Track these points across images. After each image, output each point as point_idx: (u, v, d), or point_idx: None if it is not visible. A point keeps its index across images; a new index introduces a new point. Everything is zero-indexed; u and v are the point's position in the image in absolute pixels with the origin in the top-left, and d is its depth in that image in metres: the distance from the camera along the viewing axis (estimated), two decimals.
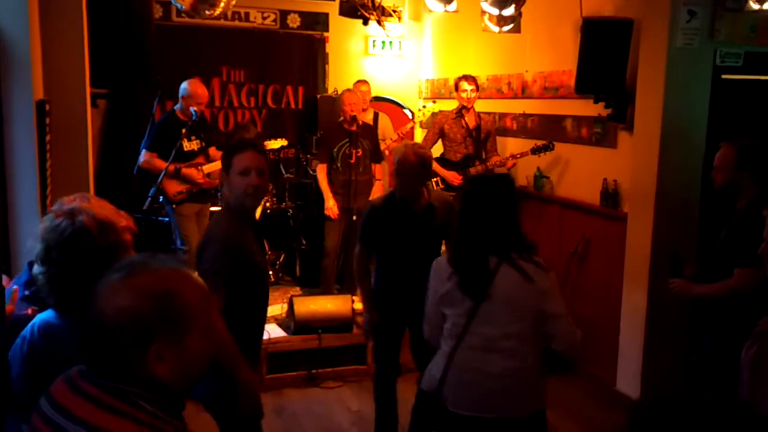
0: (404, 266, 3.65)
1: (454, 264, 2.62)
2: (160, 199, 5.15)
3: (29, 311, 1.94)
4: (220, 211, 3.42)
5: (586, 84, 4.63)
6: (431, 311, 2.71)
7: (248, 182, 2.71)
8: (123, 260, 1.35)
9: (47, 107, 3.40)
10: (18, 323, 1.88)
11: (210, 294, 1.36)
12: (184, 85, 5.26)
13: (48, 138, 3.40)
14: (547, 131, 5.58)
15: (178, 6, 4.16)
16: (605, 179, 4.84)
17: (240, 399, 1.84)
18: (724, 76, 4.30)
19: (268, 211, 6.14)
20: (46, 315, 1.83)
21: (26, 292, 1.99)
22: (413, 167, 3.46)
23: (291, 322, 4.95)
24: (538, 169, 5.61)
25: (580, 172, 5.23)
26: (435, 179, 5.65)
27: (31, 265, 2.03)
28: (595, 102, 4.77)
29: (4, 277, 2.05)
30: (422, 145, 3.89)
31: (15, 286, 1.96)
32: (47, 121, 3.39)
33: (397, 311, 3.70)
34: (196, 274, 1.36)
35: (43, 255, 1.75)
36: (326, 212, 5.57)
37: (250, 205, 2.81)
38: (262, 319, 2.99)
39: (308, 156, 6.83)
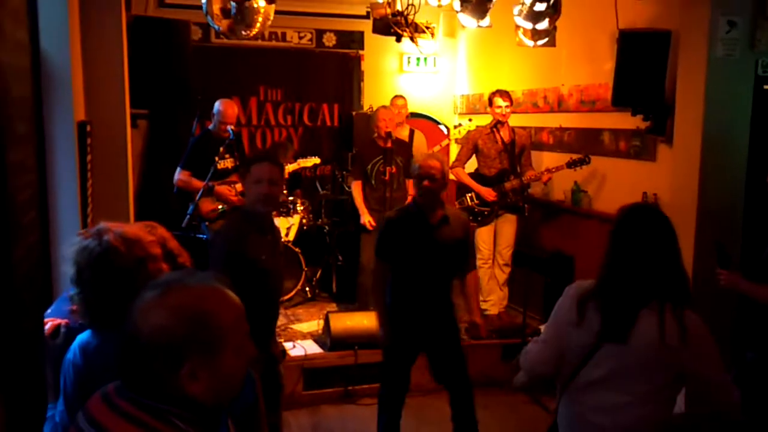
0: (418, 282, 3.64)
1: (602, 307, 2.31)
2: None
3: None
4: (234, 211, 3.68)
5: (623, 97, 4.57)
6: (546, 334, 2.41)
7: (260, 190, 3.13)
8: (161, 278, 1.36)
9: (88, 128, 3.47)
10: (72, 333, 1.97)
11: (244, 312, 1.36)
12: (216, 104, 5.37)
13: (89, 158, 3.47)
14: (585, 145, 5.51)
15: (216, 27, 4.24)
16: (645, 193, 4.76)
17: None
18: (766, 87, 4.20)
19: (305, 227, 6.17)
20: (85, 336, 1.86)
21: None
22: (438, 173, 3.52)
23: (327, 339, 4.96)
24: (576, 183, 5.54)
25: (618, 186, 5.15)
26: (470, 195, 5.62)
27: None
28: (633, 115, 4.70)
29: None
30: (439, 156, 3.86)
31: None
32: (88, 141, 3.46)
33: (411, 331, 3.67)
34: (232, 293, 1.36)
35: (75, 277, 1.78)
36: (362, 221, 5.56)
37: (260, 210, 3.20)
38: (260, 321, 3.06)
39: (344, 173, 6.87)
